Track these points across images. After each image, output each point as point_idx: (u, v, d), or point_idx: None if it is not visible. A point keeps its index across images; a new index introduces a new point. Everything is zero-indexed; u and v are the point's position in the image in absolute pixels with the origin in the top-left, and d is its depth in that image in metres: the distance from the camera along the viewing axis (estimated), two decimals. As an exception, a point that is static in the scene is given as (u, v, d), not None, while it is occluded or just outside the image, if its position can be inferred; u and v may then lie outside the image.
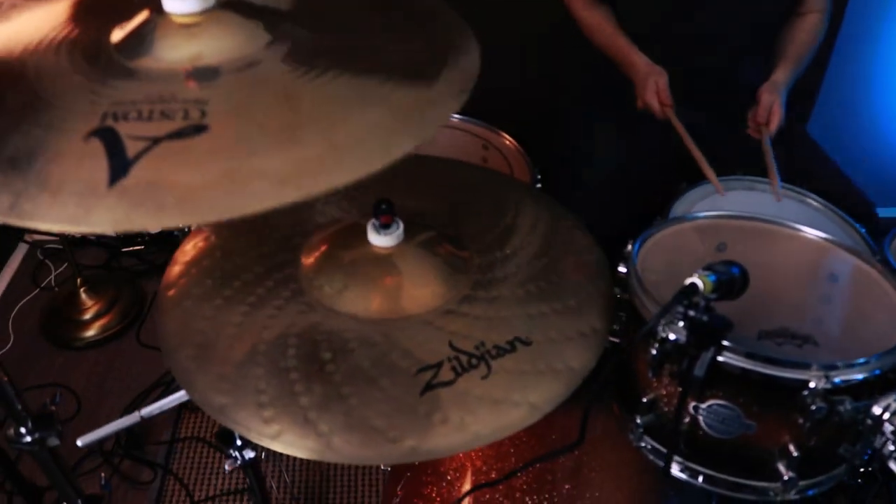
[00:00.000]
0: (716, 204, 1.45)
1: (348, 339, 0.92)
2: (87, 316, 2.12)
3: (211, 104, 0.66)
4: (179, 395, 1.04)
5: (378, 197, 0.98)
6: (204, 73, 0.72)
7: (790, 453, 0.91)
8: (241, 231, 1.10)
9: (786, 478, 0.92)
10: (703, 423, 0.93)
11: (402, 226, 0.99)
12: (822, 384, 0.85)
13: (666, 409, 0.97)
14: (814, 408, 0.86)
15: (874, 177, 2.06)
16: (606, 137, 1.66)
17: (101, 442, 1.73)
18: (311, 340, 0.92)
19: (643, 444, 1.01)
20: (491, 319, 0.95)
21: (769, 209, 1.46)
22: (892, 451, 0.89)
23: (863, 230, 1.40)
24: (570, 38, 1.73)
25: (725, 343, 0.87)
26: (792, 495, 0.93)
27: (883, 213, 1.64)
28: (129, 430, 1.87)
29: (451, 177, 1.24)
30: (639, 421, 0.98)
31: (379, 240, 0.98)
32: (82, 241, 2.39)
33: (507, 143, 1.61)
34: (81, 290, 2.15)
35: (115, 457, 1.85)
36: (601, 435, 1.18)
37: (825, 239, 1.12)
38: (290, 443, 0.84)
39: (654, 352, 0.92)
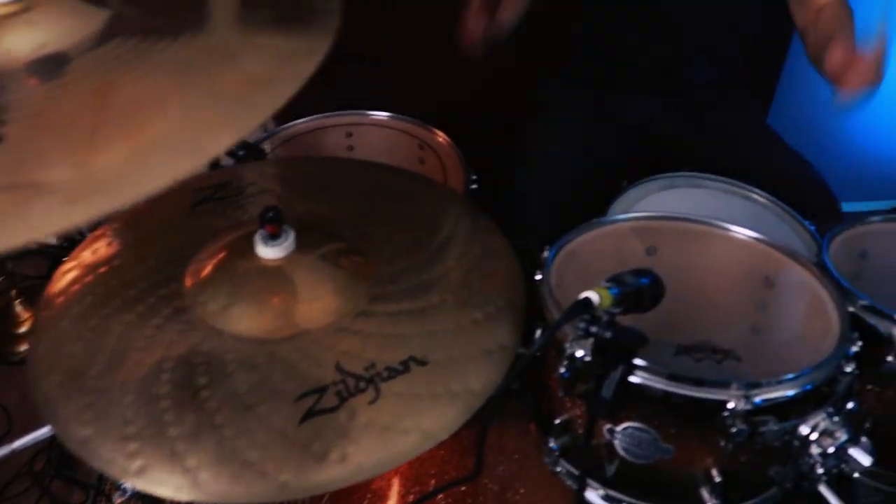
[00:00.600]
0: (657, 202, 1.38)
1: (228, 361, 0.84)
2: (22, 329, 2.03)
3: (13, 110, 0.58)
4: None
5: (272, 203, 0.90)
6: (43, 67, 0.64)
7: (713, 478, 0.83)
8: (129, 242, 1.02)
9: (710, 504, 0.84)
10: (619, 448, 0.85)
11: (292, 236, 0.91)
12: (742, 405, 0.77)
13: (580, 431, 0.89)
14: (734, 430, 0.78)
15: (838, 171, 1.98)
16: (548, 137, 1.58)
17: (31, 462, 1.64)
18: (187, 364, 0.84)
19: (559, 469, 0.93)
20: (387, 337, 0.87)
21: (714, 208, 1.39)
22: (820, 475, 0.81)
23: (812, 228, 1.32)
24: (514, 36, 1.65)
25: (637, 361, 0.80)
26: (718, 522, 0.86)
27: (847, 207, 1.57)
28: (60, 449, 1.78)
29: (362, 180, 1.16)
30: (552, 444, 0.90)
31: (266, 251, 0.90)
32: (22, 251, 2.29)
33: (442, 141, 1.53)
34: (16, 301, 2.05)
35: (46, 477, 1.76)
36: (528, 454, 1.10)
37: (760, 240, 1.04)
38: (155, 480, 0.76)
39: (563, 370, 0.84)
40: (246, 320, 0.88)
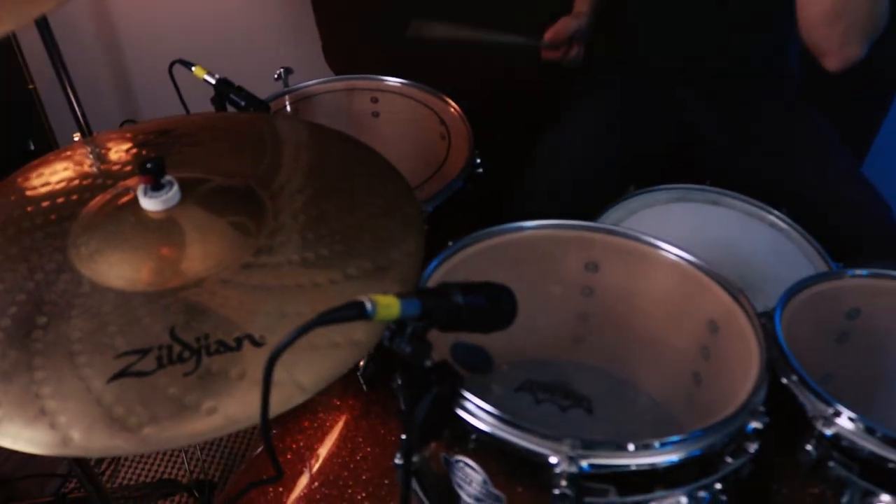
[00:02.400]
0: (654, 216, 1.21)
1: (75, 305, 0.82)
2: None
3: None
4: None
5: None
6: None
7: (547, 539, 0.71)
8: (65, 175, 1.02)
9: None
10: (453, 482, 0.75)
11: (175, 189, 0.87)
12: (566, 466, 0.65)
13: (425, 453, 0.79)
14: (557, 492, 0.65)
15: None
16: (564, 136, 1.43)
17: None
18: (37, 301, 0.83)
19: (414, 487, 0.84)
20: (245, 308, 0.82)
21: (720, 231, 1.20)
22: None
23: (831, 260, 1.11)
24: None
25: (465, 389, 0.69)
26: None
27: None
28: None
29: (308, 145, 1.10)
30: (397, 461, 0.81)
31: (146, 202, 0.87)
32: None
33: (454, 113, 1.45)
34: None
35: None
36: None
37: (711, 274, 0.87)
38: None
39: (399, 381, 0.75)
40: (110, 267, 0.85)
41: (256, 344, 0.78)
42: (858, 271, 0.89)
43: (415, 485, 0.82)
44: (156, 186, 0.87)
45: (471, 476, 0.73)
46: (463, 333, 0.68)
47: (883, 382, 0.94)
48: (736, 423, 0.69)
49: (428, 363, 0.67)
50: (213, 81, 1.34)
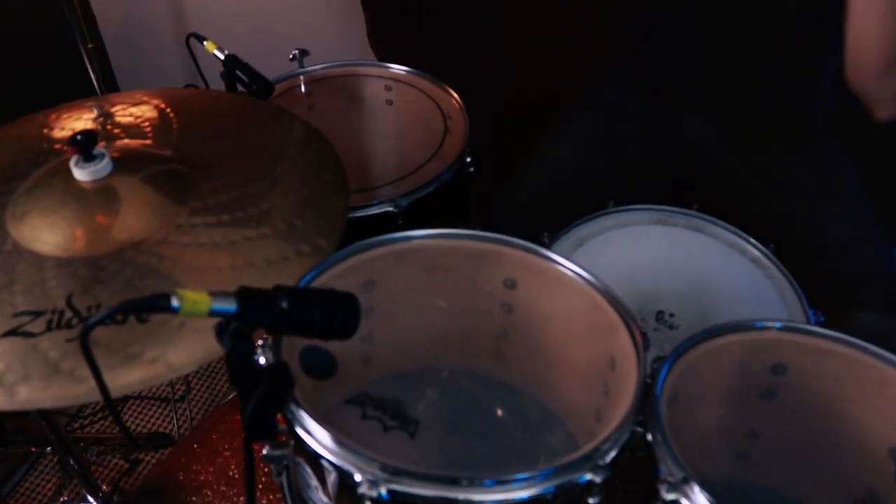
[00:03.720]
0: (622, 238, 1.15)
1: (-6, 263, 0.88)
2: None
3: None
4: None
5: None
6: None
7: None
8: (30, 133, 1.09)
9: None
10: (302, 483, 0.75)
11: (106, 161, 0.91)
12: (367, 489, 0.63)
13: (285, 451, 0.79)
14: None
15: None
16: (558, 150, 1.37)
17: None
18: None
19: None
20: (156, 275, 0.84)
21: (699, 258, 1.12)
22: None
23: (812, 319, 1.02)
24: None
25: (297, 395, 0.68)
26: None
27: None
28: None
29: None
30: (265, 451, 0.82)
31: (77, 172, 0.91)
32: None
33: (455, 105, 1.42)
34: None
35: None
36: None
37: (617, 309, 0.81)
38: None
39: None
40: (32, 230, 0.90)
41: (142, 321, 0.81)
42: (789, 324, 0.81)
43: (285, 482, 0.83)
44: (87, 158, 0.91)
45: (308, 480, 0.73)
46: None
47: (814, 448, 0.85)
48: (567, 474, 0.64)
49: (262, 362, 0.67)
50: (221, 57, 1.37)
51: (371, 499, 0.62)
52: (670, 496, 0.64)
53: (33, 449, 1.61)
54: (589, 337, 0.85)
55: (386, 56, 1.71)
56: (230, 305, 0.62)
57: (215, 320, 0.66)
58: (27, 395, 0.76)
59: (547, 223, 1.20)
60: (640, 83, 1.40)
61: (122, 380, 0.77)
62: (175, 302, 0.60)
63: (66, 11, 1.65)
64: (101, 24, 2.03)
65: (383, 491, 0.62)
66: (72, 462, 1.21)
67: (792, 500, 0.89)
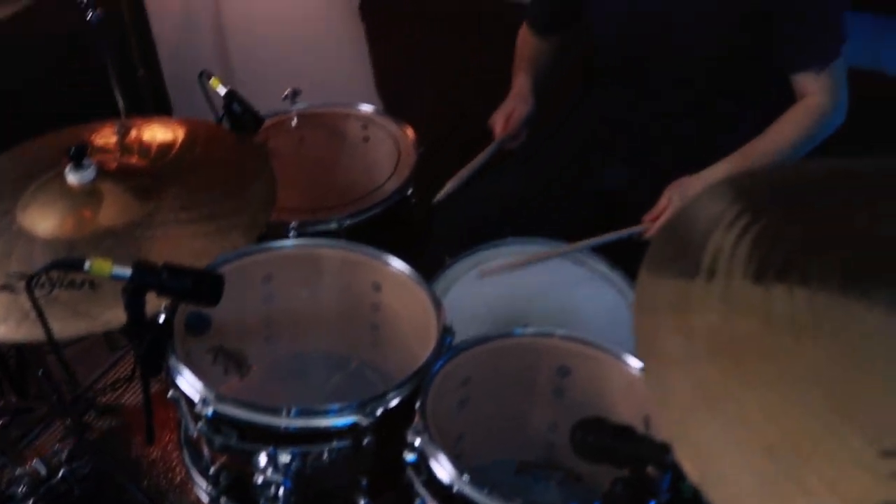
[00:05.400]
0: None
1: (2, 236, 1.19)
2: None
3: None
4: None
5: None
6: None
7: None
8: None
9: None
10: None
11: (92, 168, 1.21)
12: (201, 408, 0.89)
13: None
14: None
15: None
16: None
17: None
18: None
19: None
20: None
21: (569, 289, 1.34)
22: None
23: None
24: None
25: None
26: None
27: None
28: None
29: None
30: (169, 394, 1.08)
31: (70, 176, 1.22)
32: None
33: (409, 137, 1.69)
34: None
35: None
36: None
37: (434, 305, 1.05)
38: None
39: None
40: (31, 217, 1.21)
41: (92, 287, 1.10)
42: (569, 333, 1.02)
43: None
44: (77, 167, 1.22)
45: (183, 411, 0.99)
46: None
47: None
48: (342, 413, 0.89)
49: (155, 318, 0.94)
50: (222, 93, 1.68)
51: (203, 416, 0.89)
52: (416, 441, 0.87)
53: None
54: (422, 326, 1.08)
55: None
56: (126, 272, 0.90)
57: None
58: (3, 332, 1.06)
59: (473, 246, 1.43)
60: (570, 132, 1.63)
61: (71, 328, 1.06)
62: (87, 264, 0.88)
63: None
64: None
65: (209, 411, 0.88)
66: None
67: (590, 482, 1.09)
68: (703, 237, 0.55)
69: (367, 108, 1.84)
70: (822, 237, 0.57)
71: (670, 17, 1.40)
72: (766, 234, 0.55)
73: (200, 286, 0.93)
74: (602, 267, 1.37)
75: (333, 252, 1.17)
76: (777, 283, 0.52)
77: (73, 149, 1.20)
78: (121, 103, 1.81)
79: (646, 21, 1.43)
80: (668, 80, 1.47)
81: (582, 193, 1.58)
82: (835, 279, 0.53)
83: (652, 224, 1.31)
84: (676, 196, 1.35)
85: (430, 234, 1.66)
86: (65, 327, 1.05)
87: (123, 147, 1.40)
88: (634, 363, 0.98)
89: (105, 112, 1.47)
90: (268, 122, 1.70)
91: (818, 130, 1.39)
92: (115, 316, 1.06)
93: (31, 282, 0.93)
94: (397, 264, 1.12)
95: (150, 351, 0.95)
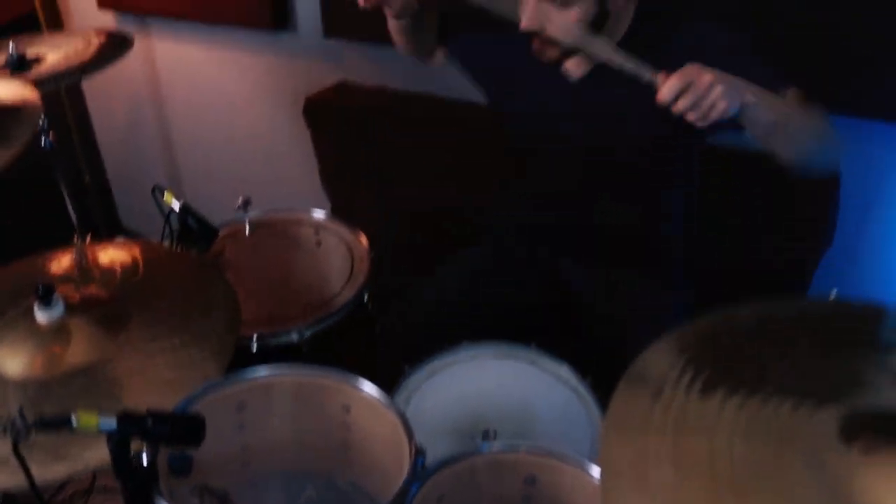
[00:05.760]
0: (473, 370, 1.45)
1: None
2: None
3: None
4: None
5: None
6: None
7: None
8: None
9: None
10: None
11: (60, 306, 1.24)
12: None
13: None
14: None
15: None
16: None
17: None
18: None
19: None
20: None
21: (525, 389, 1.42)
22: None
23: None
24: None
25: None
26: None
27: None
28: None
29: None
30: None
31: (38, 314, 1.24)
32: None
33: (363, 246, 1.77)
34: None
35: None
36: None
37: (405, 429, 1.12)
38: None
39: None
40: (3, 359, 1.23)
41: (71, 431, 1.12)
42: (533, 447, 1.11)
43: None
44: (44, 305, 1.24)
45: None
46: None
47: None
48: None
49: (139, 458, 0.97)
50: (176, 208, 1.72)
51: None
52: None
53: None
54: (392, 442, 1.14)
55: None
56: (111, 424, 0.94)
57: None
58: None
59: (429, 352, 1.50)
60: (504, 225, 1.74)
61: (52, 472, 1.07)
62: (74, 420, 0.92)
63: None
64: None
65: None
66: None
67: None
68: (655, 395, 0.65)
69: (318, 213, 1.92)
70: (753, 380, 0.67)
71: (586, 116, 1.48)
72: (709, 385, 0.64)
73: (185, 430, 0.97)
74: (552, 366, 1.46)
75: (303, 379, 1.22)
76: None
77: (40, 287, 1.23)
78: (74, 218, 1.84)
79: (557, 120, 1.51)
80: (583, 173, 1.56)
81: (531, 288, 1.68)
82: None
83: (665, 78, 1.23)
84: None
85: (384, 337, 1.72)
86: (48, 472, 1.06)
87: (83, 274, 1.43)
88: (596, 472, 1.06)
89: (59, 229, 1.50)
90: (222, 232, 1.75)
91: (823, 128, 1.36)
92: (96, 455, 1.08)
93: (16, 443, 0.95)
94: (366, 387, 1.18)
95: (137, 493, 0.98)
